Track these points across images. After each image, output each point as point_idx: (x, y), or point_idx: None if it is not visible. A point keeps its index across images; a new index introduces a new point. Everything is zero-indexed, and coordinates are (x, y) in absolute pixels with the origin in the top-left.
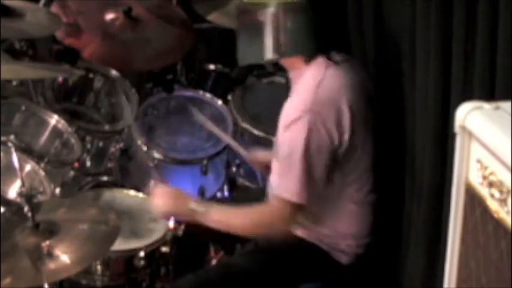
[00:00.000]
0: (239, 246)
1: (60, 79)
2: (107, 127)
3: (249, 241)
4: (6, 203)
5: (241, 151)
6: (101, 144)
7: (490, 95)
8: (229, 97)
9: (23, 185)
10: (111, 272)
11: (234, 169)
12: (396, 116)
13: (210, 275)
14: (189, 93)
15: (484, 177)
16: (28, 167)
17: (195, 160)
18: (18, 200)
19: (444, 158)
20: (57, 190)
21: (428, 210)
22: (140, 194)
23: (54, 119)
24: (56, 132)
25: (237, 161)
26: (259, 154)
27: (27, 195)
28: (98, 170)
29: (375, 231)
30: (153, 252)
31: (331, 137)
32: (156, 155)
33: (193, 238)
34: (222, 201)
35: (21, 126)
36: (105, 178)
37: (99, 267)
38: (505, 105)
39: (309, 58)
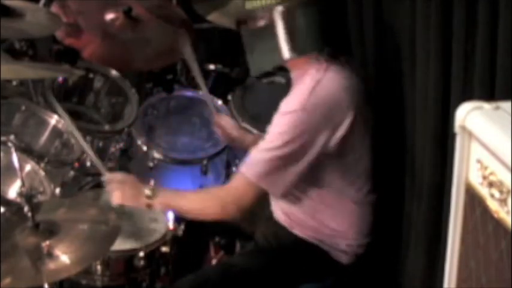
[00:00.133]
0: (239, 246)
1: (60, 79)
2: (107, 127)
3: (249, 241)
4: (6, 203)
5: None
6: (101, 144)
7: (490, 95)
8: (229, 97)
9: (23, 185)
10: (111, 272)
11: (234, 169)
12: (396, 116)
13: (209, 275)
14: (189, 93)
15: (484, 177)
16: (28, 167)
17: (195, 160)
18: (18, 200)
19: (444, 158)
20: (57, 190)
21: (428, 210)
22: None
23: (54, 119)
24: (56, 132)
25: (237, 161)
26: (248, 136)
27: (27, 195)
28: (98, 170)
29: (375, 231)
30: (153, 252)
31: (320, 138)
32: (156, 155)
33: (193, 238)
34: None
35: (21, 126)
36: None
37: (99, 267)
38: (505, 105)
39: (321, 55)
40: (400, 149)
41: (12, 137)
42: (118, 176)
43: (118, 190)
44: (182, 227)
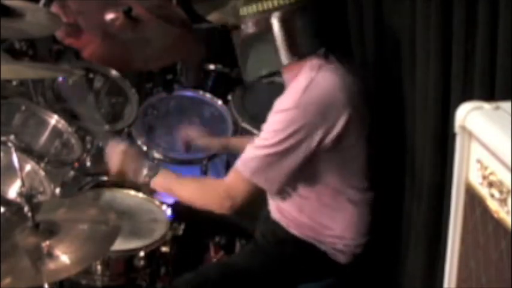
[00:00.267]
0: (239, 245)
1: (60, 79)
2: (107, 127)
3: (249, 240)
4: (6, 203)
5: None
6: (101, 144)
7: (490, 95)
8: (229, 97)
9: (23, 185)
10: (111, 272)
11: None
12: (396, 116)
13: (209, 274)
14: (189, 93)
15: (484, 177)
16: (28, 167)
17: (195, 160)
18: (18, 200)
19: (444, 158)
20: (57, 190)
21: (428, 210)
22: (140, 194)
23: (54, 119)
24: (56, 132)
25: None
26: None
27: (27, 195)
28: (98, 170)
29: (374, 231)
30: (153, 252)
31: (315, 136)
32: (156, 155)
33: (193, 238)
34: None
35: (21, 126)
36: (105, 178)
37: (99, 267)
38: (505, 105)
39: (317, 56)
40: (400, 149)
41: (12, 137)
42: (122, 145)
43: (118, 158)
44: (182, 227)
